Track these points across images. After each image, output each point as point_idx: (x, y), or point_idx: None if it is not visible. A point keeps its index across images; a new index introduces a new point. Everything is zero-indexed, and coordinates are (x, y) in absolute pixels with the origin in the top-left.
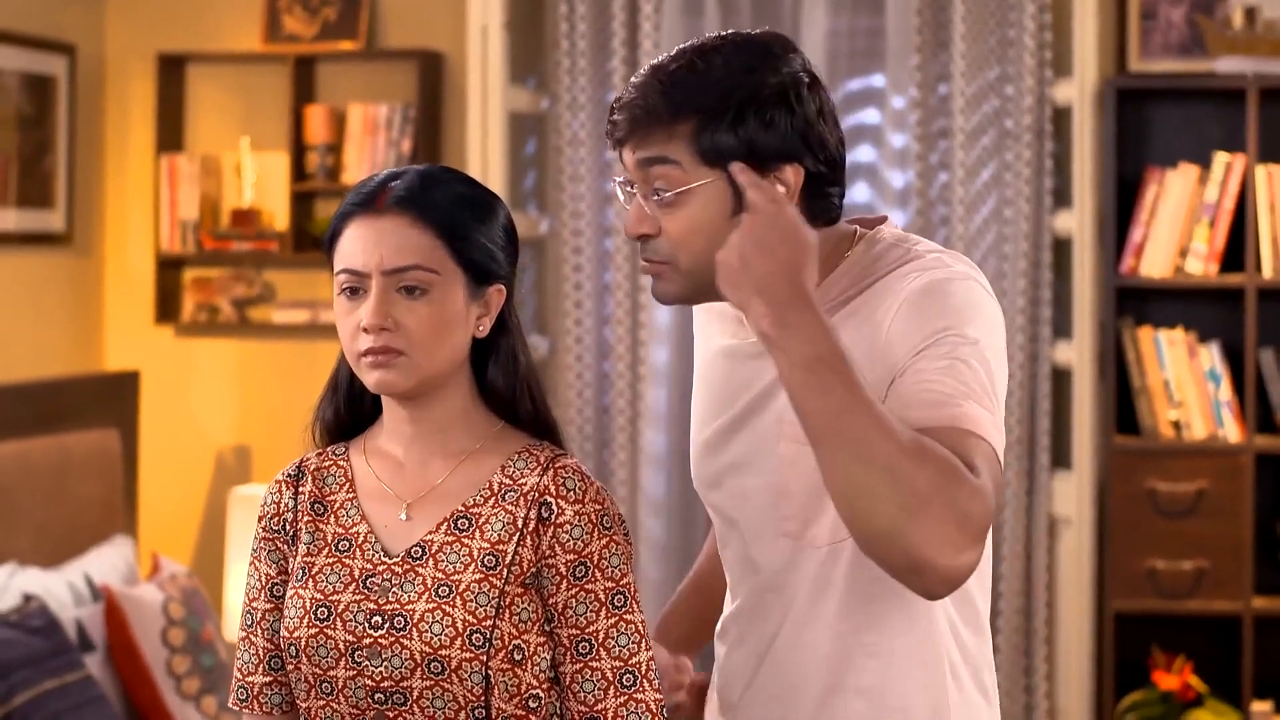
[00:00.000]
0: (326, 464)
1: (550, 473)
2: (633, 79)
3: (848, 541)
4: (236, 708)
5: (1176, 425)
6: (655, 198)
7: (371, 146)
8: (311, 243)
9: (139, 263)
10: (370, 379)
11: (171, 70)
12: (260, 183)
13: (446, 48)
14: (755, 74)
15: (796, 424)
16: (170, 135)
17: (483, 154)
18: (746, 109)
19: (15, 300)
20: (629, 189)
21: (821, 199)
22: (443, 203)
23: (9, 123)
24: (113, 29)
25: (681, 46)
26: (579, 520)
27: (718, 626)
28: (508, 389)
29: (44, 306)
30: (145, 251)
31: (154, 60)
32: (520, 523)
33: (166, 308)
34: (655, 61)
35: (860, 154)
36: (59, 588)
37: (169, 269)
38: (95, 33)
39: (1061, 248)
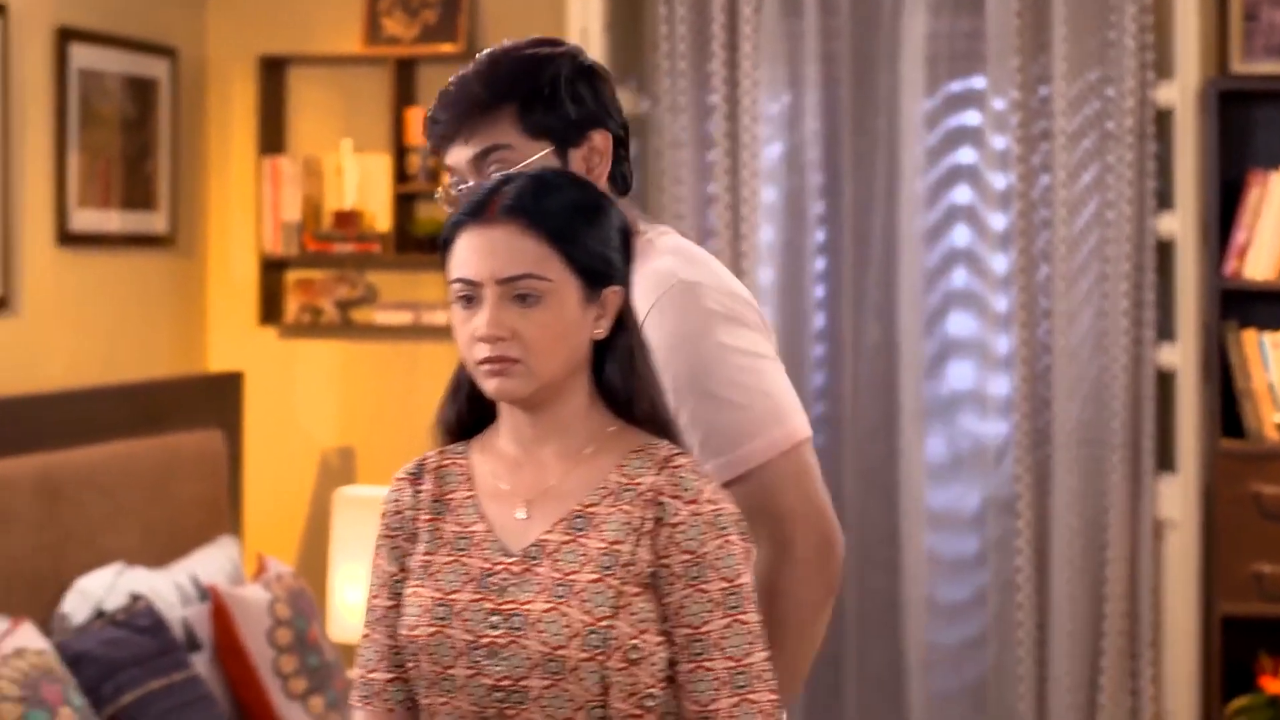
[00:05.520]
0: (446, 462)
1: (666, 472)
2: (441, 94)
3: None
4: (359, 705)
5: None
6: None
7: None
8: (414, 244)
9: (242, 264)
10: (489, 387)
11: (273, 72)
12: (362, 184)
13: None
14: (553, 59)
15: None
16: (272, 137)
17: None
18: (557, 86)
19: (120, 302)
20: (460, 187)
21: (622, 165)
22: (553, 208)
23: (112, 125)
24: (214, 32)
25: (475, 59)
26: (694, 521)
27: None
28: (625, 389)
29: (148, 308)
30: (248, 253)
31: (255, 62)
32: (637, 523)
33: (270, 309)
34: (456, 76)
35: (961, 156)
36: (165, 587)
37: (272, 270)
38: (197, 35)
39: (1164, 250)
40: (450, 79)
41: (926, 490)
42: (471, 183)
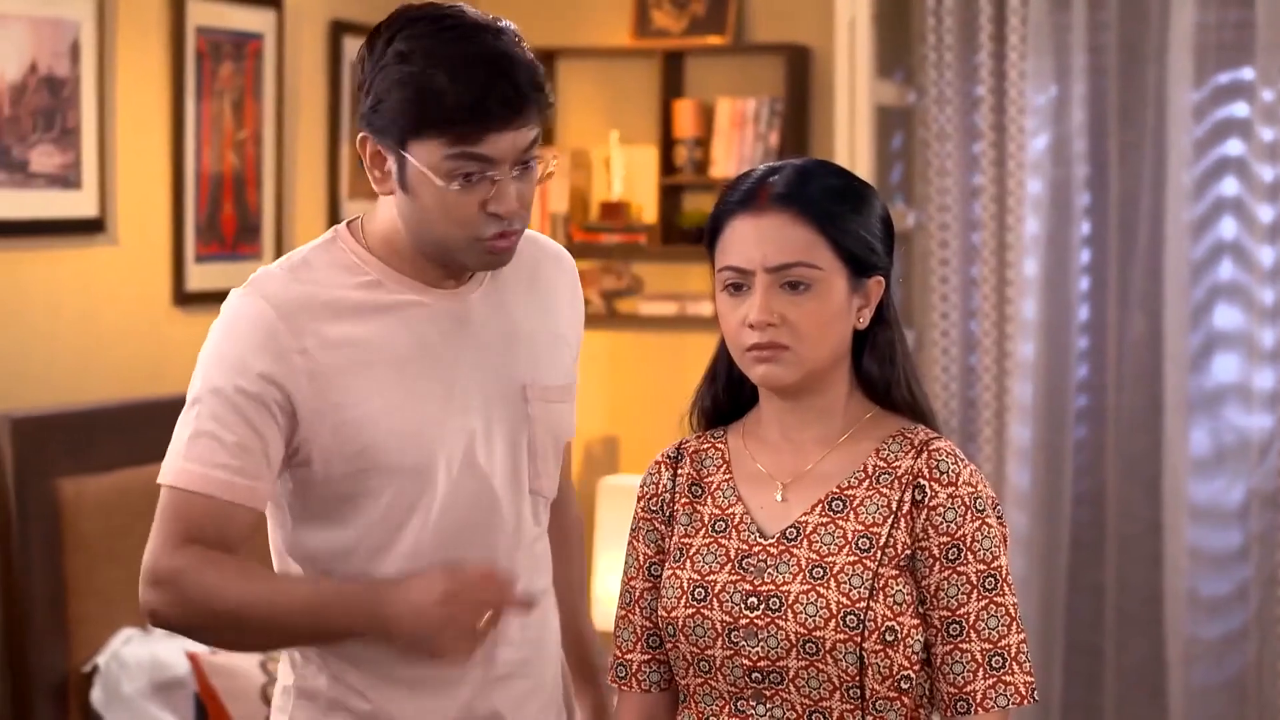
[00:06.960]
0: (705, 446)
1: (924, 455)
2: (506, 64)
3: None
4: (615, 684)
5: None
6: (529, 168)
7: (739, 140)
8: (680, 236)
9: None
10: (756, 373)
11: (542, 65)
12: (629, 176)
13: (814, 42)
14: (519, 36)
15: (544, 385)
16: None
17: (850, 148)
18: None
19: None
20: (491, 175)
21: None
22: (821, 197)
23: None
24: None
25: (487, 29)
26: (952, 503)
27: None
28: (882, 380)
29: None
30: None
31: None
32: (894, 506)
33: None
34: (500, 46)
35: (1229, 148)
36: None
37: None
38: None
39: None
40: (485, 48)
41: (1189, 483)
42: (517, 172)
